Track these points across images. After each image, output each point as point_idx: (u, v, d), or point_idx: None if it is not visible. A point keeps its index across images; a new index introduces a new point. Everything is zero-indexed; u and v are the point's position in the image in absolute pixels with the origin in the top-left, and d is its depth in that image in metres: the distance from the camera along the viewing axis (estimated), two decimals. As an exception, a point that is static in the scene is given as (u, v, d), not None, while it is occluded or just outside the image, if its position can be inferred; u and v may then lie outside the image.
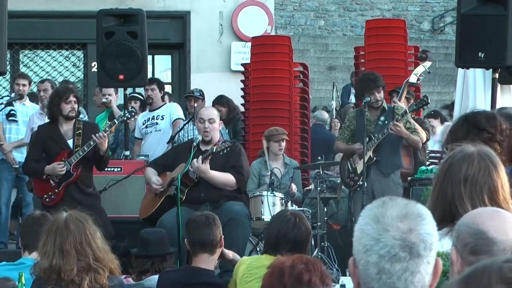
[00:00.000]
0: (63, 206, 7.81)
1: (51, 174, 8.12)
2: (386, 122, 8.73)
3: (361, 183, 8.70)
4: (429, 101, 8.82)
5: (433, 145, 11.26)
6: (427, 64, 10.08)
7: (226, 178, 7.73)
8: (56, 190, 8.14)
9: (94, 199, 8.18)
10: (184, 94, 14.95)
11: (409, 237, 2.20)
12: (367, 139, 8.70)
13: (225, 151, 7.57)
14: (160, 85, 10.88)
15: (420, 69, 9.99)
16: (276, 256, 4.89)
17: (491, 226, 2.55)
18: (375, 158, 8.72)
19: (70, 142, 8.20)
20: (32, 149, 8.49)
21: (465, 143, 3.40)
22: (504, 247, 2.53)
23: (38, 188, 8.32)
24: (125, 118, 8.82)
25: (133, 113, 8.79)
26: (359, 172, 8.79)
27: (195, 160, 7.59)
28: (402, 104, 9.30)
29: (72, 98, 8.18)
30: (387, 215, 2.23)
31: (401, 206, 2.25)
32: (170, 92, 14.82)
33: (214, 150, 7.54)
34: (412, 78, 9.90)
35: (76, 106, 8.22)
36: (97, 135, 8.04)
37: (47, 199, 8.18)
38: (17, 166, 10.39)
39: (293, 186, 9.35)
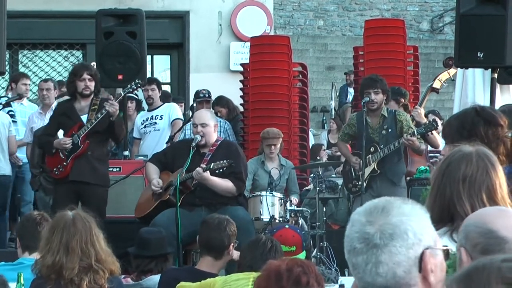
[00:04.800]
0: (71, 179, 7.99)
1: (59, 148, 8.19)
2: (390, 130, 8.62)
3: (361, 184, 8.62)
4: (438, 126, 8.74)
5: None
6: (452, 71, 10.03)
7: (227, 185, 7.72)
8: (64, 163, 8.19)
9: (101, 180, 8.20)
10: (183, 94, 14.99)
11: (365, 228, 2.22)
12: (372, 148, 8.61)
13: (221, 170, 7.58)
14: (159, 85, 10.88)
15: (444, 75, 9.98)
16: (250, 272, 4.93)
17: (500, 224, 2.55)
18: (379, 171, 8.62)
19: (84, 117, 8.24)
20: (48, 124, 8.66)
21: (463, 143, 3.40)
22: None
23: (50, 161, 8.41)
24: (131, 90, 8.73)
25: (139, 84, 8.62)
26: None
27: (197, 169, 7.58)
28: (399, 109, 9.22)
29: (85, 76, 8.19)
30: (357, 211, 2.27)
31: (374, 202, 2.28)
32: (169, 92, 14.82)
33: (211, 167, 7.56)
34: (436, 84, 9.89)
35: (91, 83, 8.19)
36: (108, 102, 8.12)
37: (56, 172, 8.26)
38: (21, 163, 10.41)
39: (293, 199, 9.33)
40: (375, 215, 2.23)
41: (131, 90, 8.68)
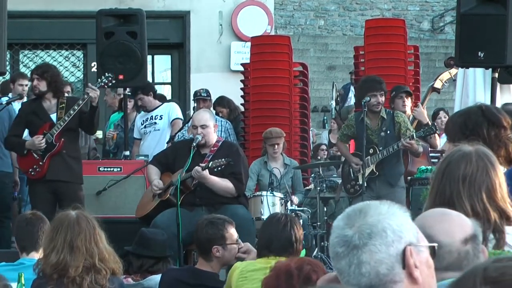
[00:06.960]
0: (48, 178, 8.00)
1: (32, 149, 8.17)
2: (388, 132, 8.61)
3: (362, 184, 8.61)
4: (437, 130, 8.77)
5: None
6: (453, 71, 10.05)
7: (226, 185, 7.71)
8: (40, 163, 8.19)
9: (76, 178, 8.23)
10: (184, 94, 14.99)
11: (344, 231, 2.24)
12: (371, 150, 8.60)
13: (219, 168, 7.57)
14: (146, 91, 10.58)
15: (446, 75, 10.01)
16: (269, 257, 4.88)
17: (438, 229, 2.64)
18: (377, 173, 8.60)
19: (53, 116, 8.27)
20: (14, 125, 8.60)
21: (463, 142, 3.40)
22: (450, 249, 2.64)
23: (23, 163, 8.40)
24: (102, 84, 8.74)
25: (109, 78, 8.65)
26: (360, 182, 8.69)
27: (196, 168, 7.56)
28: (404, 111, 9.19)
29: (34, 76, 8.33)
30: (337, 218, 2.30)
31: (352, 207, 2.31)
32: (170, 92, 14.82)
33: (209, 166, 7.55)
34: (437, 84, 9.92)
35: (40, 83, 8.25)
36: (89, 85, 8.22)
37: (32, 173, 8.24)
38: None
39: (295, 199, 9.32)
40: (353, 218, 2.25)
41: (102, 84, 8.69)
